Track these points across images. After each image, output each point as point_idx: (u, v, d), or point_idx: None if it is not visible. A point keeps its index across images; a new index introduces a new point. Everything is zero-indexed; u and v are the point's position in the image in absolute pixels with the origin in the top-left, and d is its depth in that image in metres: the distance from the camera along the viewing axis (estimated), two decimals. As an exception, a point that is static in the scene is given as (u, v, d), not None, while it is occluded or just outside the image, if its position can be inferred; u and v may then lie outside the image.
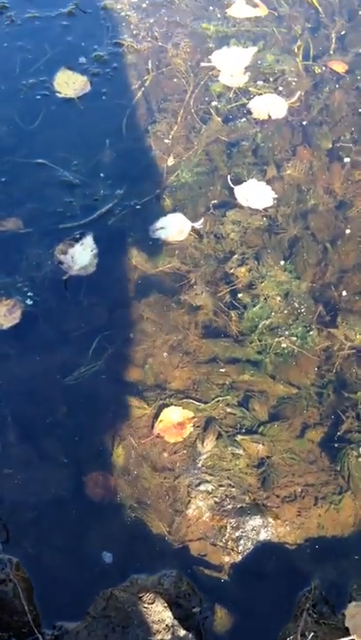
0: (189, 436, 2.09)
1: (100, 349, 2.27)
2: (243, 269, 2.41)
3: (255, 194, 2.59)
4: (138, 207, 2.58)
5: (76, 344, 2.29)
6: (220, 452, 2.06)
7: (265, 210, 2.55)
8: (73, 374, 2.23)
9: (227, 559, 1.93)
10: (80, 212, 2.57)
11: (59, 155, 2.70)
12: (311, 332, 2.26)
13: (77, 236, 2.50)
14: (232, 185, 2.59)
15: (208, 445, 2.06)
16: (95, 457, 2.09)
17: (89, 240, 2.48)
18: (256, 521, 1.94)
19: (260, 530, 1.93)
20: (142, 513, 1.99)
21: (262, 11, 3.08)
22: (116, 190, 2.61)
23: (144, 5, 3.13)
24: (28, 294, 2.39)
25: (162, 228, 2.52)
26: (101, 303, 2.38)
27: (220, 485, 2.00)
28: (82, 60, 2.95)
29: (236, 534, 1.94)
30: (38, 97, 2.85)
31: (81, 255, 2.44)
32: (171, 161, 2.69)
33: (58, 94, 2.86)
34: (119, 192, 2.60)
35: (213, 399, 2.16)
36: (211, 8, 3.12)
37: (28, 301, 2.37)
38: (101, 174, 2.66)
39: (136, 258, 2.45)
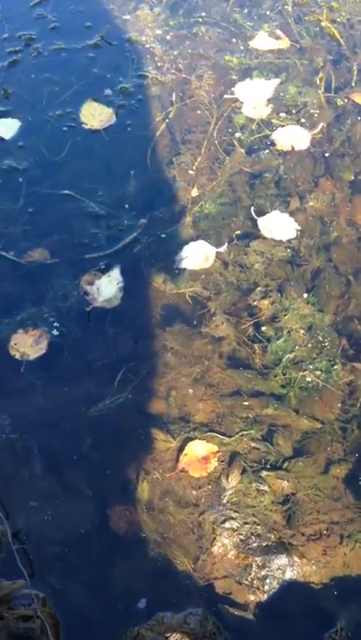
0: (214, 470, 2.06)
1: (125, 380, 2.25)
2: (266, 302, 2.38)
3: (278, 225, 2.57)
4: (163, 237, 2.56)
5: (101, 375, 2.27)
6: (245, 487, 2.03)
7: (288, 241, 2.53)
8: (98, 405, 2.21)
9: (252, 598, 1.89)
10: (105, 243, 2.56)
11: (84, 185, 2.70)
12: (336, 366, 2.23)
13: (103, 266, 2.49)
14: (255, 216, 2.57)
15: (233, 481, 2.03)
16: (120, 490, 2.07)
17: (116, 272, 2.46)
18: (282, 560, 1.90)
19: (286, 569, 1.90)
20: (167, 549, 1.96)
21: (284, 43, 3.07)
22: (141, 220, 2.60)
23: (168, 38, 3.13)
24: (55, 324, 2.38)
25: (187, 257, 2.50)
26: (126, 334, 2.36)
27: (246, 522, 1.97)
28: (107, 91, 2.96)
29: (262, 573, 1.90)
30: (65, 128, 2.85)
31: (107, 287, 2.43)
32: (195, 192, 2.67)
33: (84, 126, 2.86)
34: (143, 221, 2.59)
35: (237, 433, 2.14)
36: (234, 40, 3.11)
37: (55, 332, 2.36)
38: (126, 205, 2.65)
39: (161, 287, 2.43)
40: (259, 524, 1.97)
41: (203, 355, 2.30)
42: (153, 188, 2.70)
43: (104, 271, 2.48)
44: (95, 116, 2.88)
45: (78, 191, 2.67)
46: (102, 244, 2.56)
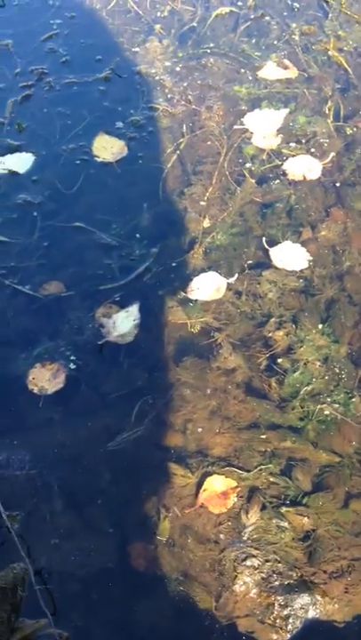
0: (233, 506, 2.03)
1: (142, 414, 2.23)
2: (281, 333, 2.36)
3: (290, 255, 2.55)
4: (174, 266, 2.55)
5: (118, 408, 2.25)
6: (265, 524, 2.00)
7: (300, 271, 2.51)
8: (116, 439, 2.19)
9: (275, 637, 1.85)
10: (119, 274, 2.54)
11: (98, 218, 2.69)
12: (353, 399, 2.20)
13: (117, 298, 2.48)
14: (267, 246, 2.55)
15: (253, 517, 2.00)
16: (139, 526, 2.04)
17: (134, 309, 2.45)
18: (304, 599, 1.87)
19: (309, 608, 1.86)
20: (188, 586, 1.93)
21: (292, 72, 3.06)
22: (152, 249, 2.59)
23: (177, 69, 3.13)
24: (71, 358, 2.36)
25: (198, 288, 2.48)
26: (141, 367, 2.35)
27: (267, 560, 1.93)
28: (119, 124, 2.95)
29: (285, 612, 1.87)
30: (78, 162, 2.85)
31: (123, 323, 2.42)
32: (206, 223, 2.66)
33: (96, 159, 2.85)
34: (155, 251, 2.58)
35: (256, 467, 2.11)
36: (242, 70, 3.11)
37: (72, 365, 2.34)
38: (138, 235, 2.64)
39: (173, 319, 2.41)
40: (280, 562, 1.93)
41: (218, 387, 2.28)
42: (165, 219, 2.69)
43: (120, 304, 2.46)
44: (107, 148, 2.88)
45: (92, 223, 2.67)
46: (116, 275, 2.54)
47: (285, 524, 1.98)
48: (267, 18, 3.28)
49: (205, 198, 2.71)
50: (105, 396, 2.29)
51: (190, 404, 2.25)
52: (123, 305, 2.46)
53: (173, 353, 2.36)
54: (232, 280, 2.50)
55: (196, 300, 2.46)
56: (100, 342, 2.38)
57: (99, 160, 2.84)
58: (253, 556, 1.94)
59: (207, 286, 2.49)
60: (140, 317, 2.43)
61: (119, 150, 2.87)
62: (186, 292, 2.49)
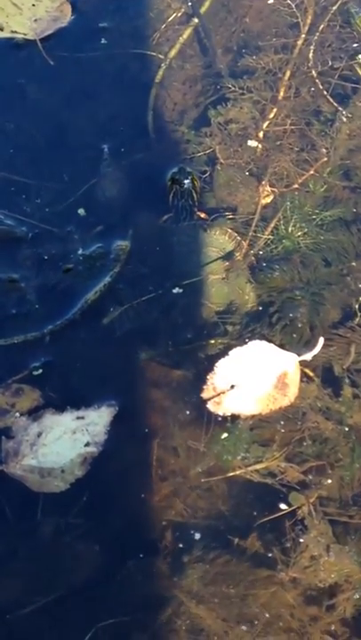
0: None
1: None
2: None
3: None
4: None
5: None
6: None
7: None
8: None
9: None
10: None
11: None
12: None
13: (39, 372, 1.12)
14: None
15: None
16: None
17: (101, 412, 1.05)
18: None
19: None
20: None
21: None
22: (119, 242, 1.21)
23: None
24: None
25: (233, 383, 1.09)
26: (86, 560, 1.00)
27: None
28: None
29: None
30: None
31: (57, 442, 1.03)
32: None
33: None
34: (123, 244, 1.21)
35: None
36: None
37: None
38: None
39: (192, 470, 1.04)
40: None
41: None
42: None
43: (53, 392, 1.07)
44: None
45: None
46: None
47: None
48: None
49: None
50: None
51: None
52: (60, 396, 1.08)
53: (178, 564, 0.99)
54: (309, 355, 1.11)
55: (231, 418, 1.08)
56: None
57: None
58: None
59: (253, 376, 1.10)
60: (104, 437, 1.03)
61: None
62: (205, 397, 1.08)
